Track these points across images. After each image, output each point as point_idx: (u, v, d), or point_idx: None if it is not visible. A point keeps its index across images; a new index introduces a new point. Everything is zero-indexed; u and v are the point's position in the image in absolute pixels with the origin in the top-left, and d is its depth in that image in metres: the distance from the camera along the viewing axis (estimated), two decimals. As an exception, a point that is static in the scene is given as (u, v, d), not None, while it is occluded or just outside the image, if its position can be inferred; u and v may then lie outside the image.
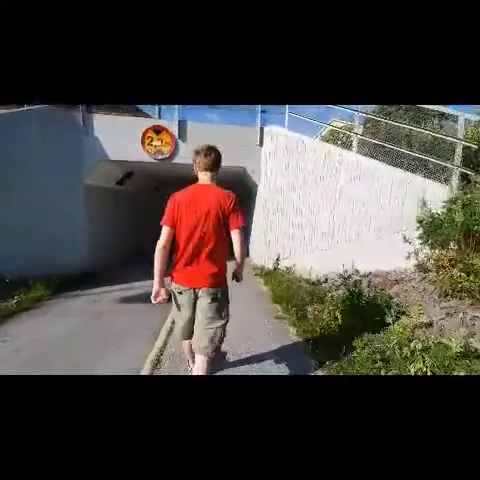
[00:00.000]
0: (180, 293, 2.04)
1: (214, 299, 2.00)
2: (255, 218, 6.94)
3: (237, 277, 2.22)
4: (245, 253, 2.05)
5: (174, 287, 2.06)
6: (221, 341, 2.05)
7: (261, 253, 6.45)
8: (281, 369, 2.46)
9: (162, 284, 1.99)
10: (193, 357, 2.26)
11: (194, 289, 2.00)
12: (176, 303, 2.08)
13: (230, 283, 2.13)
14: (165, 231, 1.97)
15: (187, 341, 2.21)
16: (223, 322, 2.05)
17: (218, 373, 2.27)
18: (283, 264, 5.73)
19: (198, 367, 2.02)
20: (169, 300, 2.06)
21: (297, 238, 5.69)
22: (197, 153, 2.08)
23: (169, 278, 2.07)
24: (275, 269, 5.70)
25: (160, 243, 1.96)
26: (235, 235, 2.00)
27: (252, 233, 7.28)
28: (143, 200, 9.72)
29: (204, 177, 2.08)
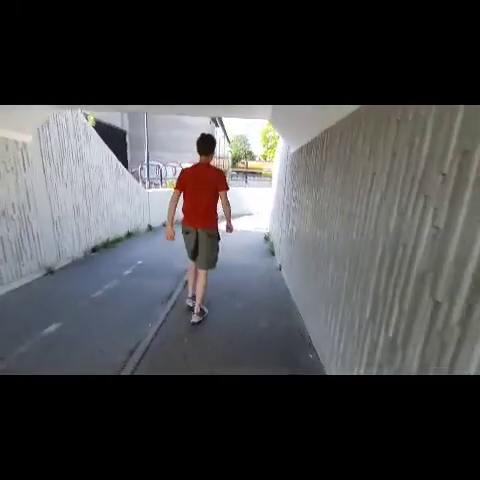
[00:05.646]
0: (187, 233, 3.27)
1: (209, 236, 3.21)
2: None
3: (228, 228, 3.40)
4: (230, 207, 3.17)
5: (184, 229, 3.29)
6: (215, 262, 3.39)
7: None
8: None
9: (172, 226, 3.23)
10: (193, 287, 3.63)
11: (196, 229, 3.19)
12: (186, 239, 3.34)
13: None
14: (175, 193, 3.16)
15: (192, 268, 3.53)
16: (215, 252, 3.34)
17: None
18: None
19: (200, 276, 3.35)
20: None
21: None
22: (197, 142, 3.06)
23: (181, 223, 3.28)
24: None
25: (171, 200, 3.17)
26: (222, 195, 3.10)
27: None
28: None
29: (202, 158, 3.12)
